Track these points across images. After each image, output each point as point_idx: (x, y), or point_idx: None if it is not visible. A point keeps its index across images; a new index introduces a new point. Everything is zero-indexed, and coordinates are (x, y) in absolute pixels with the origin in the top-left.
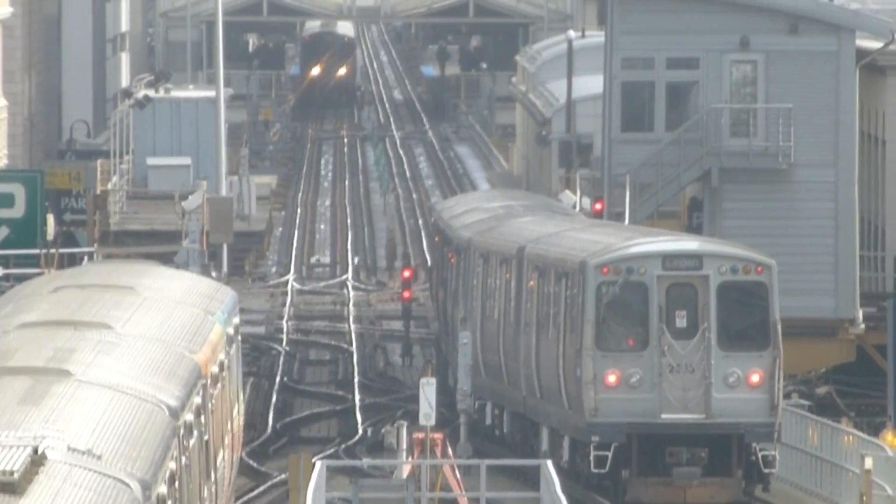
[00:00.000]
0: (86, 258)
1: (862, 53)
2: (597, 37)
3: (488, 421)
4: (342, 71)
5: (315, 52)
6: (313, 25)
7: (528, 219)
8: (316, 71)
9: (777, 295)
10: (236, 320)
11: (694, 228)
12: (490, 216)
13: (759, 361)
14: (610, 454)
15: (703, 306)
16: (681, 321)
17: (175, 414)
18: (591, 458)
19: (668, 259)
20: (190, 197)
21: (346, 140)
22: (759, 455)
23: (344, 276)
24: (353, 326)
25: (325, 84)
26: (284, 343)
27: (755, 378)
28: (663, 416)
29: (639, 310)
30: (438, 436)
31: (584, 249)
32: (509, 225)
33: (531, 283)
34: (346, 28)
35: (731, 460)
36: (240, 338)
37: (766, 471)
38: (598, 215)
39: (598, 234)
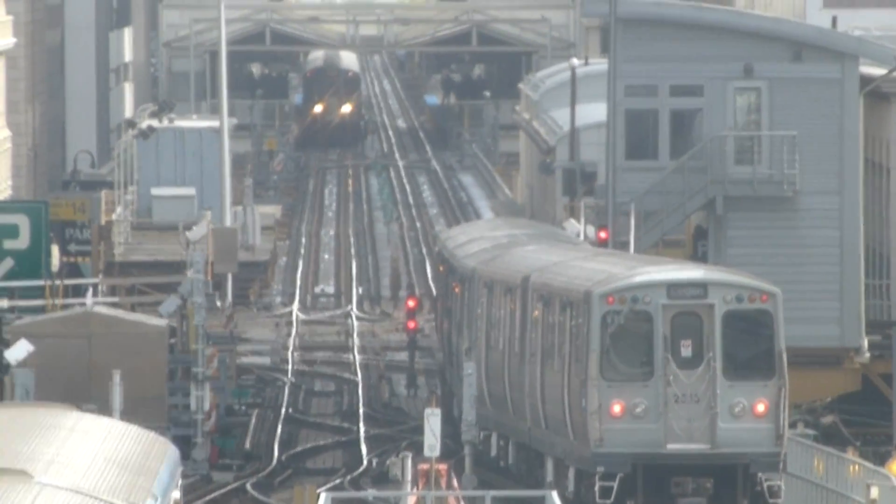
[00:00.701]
0: (90, 291)
1: (866, 80)
2: (600, 64)
3: (493, 452)
4: (346, 108)
5: (318, 87)
6: (317, 58)
7: (532, 248)
8: (319, 108)
9: (782, 324)
10: (176, 495)
11: (699, 257)
12: (494, 245)
13: (764, 391)
14: (615, 484)
15: (708, 335)
16: (686, 350)
17: None
18: (597, 488)
19: (672, 288)
20: (194, 227)
21: (349, 170)
22: (765, 485)
23: (348, 307)
24: (357, 357)
25: (329, 121)
26: (290, 374)
27: (761, 408)
28: (669, 446)
29: (644, 339)
30: (443, 467)
31: (589, 278)
32: (513, 254)
33: (536, 313)
34: (350, 61)
35: (737, 491)
36: None
37: (772, 501)
38: (602, 244)
39: (602, 263)
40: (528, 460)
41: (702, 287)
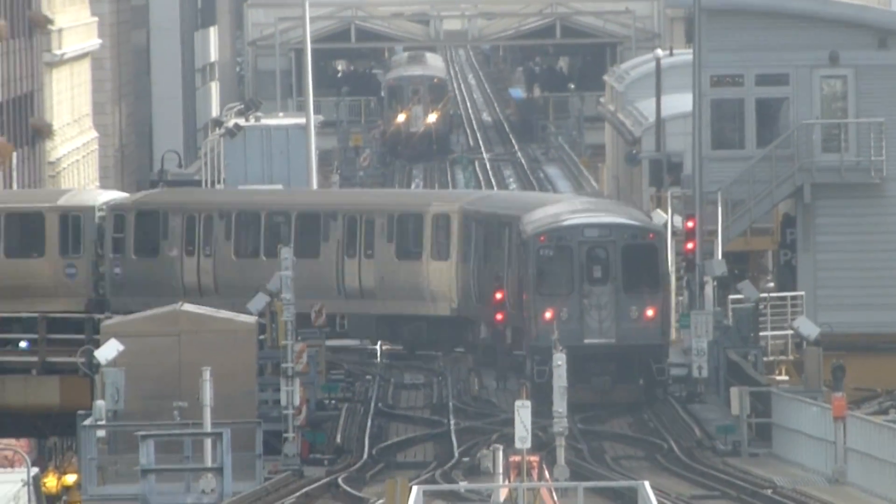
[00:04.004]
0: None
1: None
2: (685, 55)
3: None
4: (432, 118)
5: (400, 96)
6: (400, 59)
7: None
8: (401, 118)
9: (666, 253)
10: None
11: (787, 245)
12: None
13: (652, 301)
14: (546, 367)
15: (612, 262)
16: (597, 273)
17: None
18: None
19: (586, 229)
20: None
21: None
22: (654, 367)
23: None
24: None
25: (413, 133)
26: (378, 368)
27: (650, 313)
28: (585, 340)
29: (567, 265)
30: (535, 458)
31: (531, 221)
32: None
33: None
34: (435, 65)
35: (633, 371)
36: None
37: (659, 378)
38: (690, 234)
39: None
40: None
41: (607, 228)
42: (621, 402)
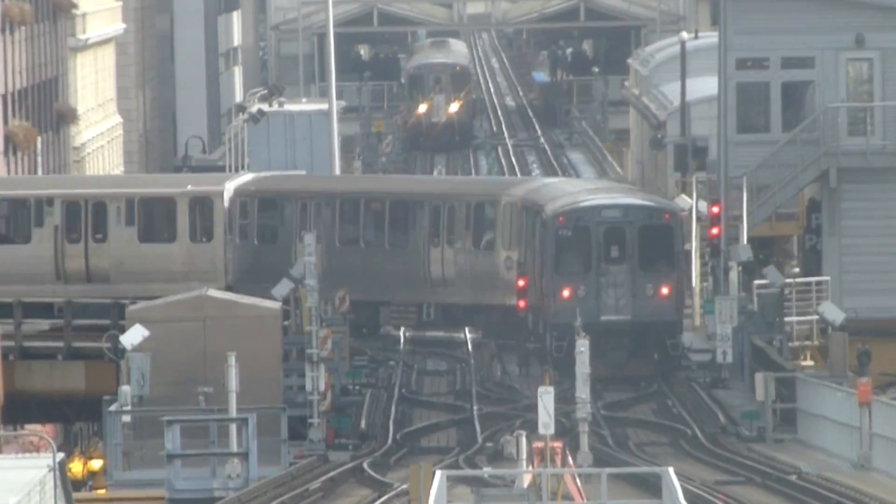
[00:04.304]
0: None
1: None
2: (710, 38)
3: None
4: (453, 108)
5: (421, 85)
6: (421, 46)
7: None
8: (423, 109)
9: (681, 233)
10: None
11: (813, 229)
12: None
13: (668, 279)
14: (565, 343)
15: (629, 242)
16: (614, 252)
17: None
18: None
19: (605, 210)
20: None
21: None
22: (668, 342)
23: None
24: (469, 336)
25: (435, 124)
26: (402, 354)
27: (665, 291)
28: (602, 317)
29: (585, 245)
30: (558, 444)
31: (551, 202)
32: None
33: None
34: (458, 52)
35: (647, 346)
36: None
37: (673, 353)
38: (715, 219)
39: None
40: None
41: (624, 209)
42: (636, 376)
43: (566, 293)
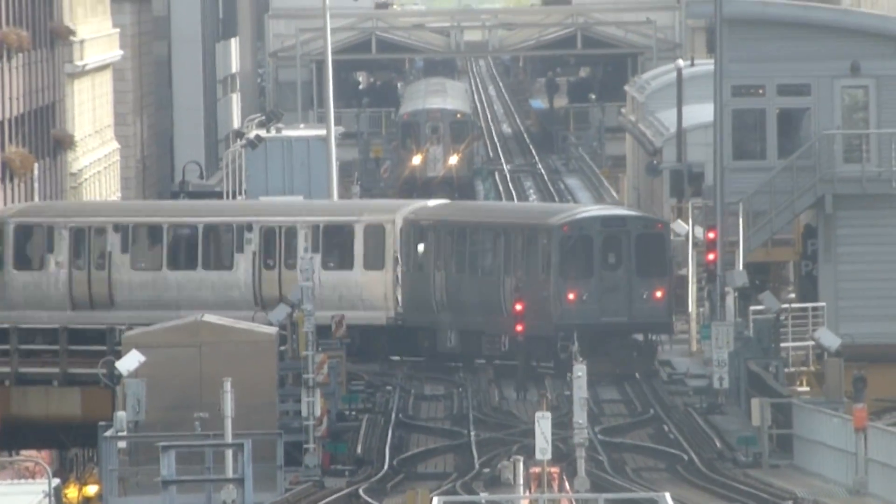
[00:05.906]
0: None
1: None
2: (706, 65)
3: None
4: (453, 160)
5: (416, 134)
6: (417, 89)
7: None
8: (417, 160)
9: (670, 240)
10: None
11: (809, 256)
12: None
13: (661, 284)
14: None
15: (626, 249)
16: (612, 259)
17: None
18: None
19: (604, 220)
20: None
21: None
22: (652, 337)
23: None
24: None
25: (430, 179)
26: (399, 379)
27: (658, 294)
28: (602, 319)
29: (587, 252)
30: (555, 470)
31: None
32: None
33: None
34: (457, 96)
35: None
36: None
37: (649, 351)
38: (711, 244)
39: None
40: None
41: (622, 219)
42: (618, 372)
43: (571, 296)
